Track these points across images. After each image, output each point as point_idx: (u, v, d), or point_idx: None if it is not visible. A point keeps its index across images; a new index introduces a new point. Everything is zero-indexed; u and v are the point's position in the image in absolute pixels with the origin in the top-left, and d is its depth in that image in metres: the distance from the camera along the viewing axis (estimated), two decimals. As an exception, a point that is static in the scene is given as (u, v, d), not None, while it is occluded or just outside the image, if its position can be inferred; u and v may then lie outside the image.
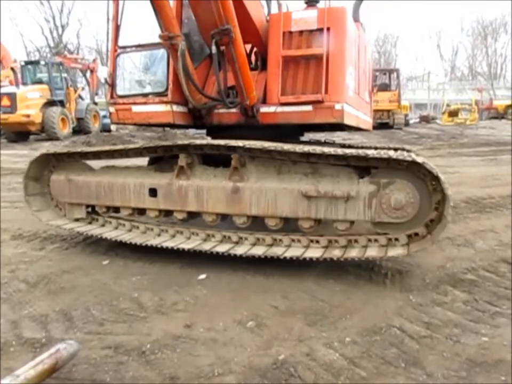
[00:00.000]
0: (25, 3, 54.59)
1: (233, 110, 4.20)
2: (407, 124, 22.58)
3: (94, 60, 23.00)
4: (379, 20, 77.17)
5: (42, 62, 19.29)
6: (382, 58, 59.35)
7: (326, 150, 3.25)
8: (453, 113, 24.75)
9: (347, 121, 4.12)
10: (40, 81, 18.27)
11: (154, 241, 3.83)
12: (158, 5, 3.40)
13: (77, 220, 4.31)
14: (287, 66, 4.11)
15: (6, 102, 16.55)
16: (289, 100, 4.04)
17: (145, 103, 4.11)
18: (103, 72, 4.07)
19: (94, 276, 3.61)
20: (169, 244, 3.74)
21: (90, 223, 4.31)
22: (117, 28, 4.17)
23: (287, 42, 4.12)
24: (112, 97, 4.26)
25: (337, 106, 3.94)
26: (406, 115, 22.81)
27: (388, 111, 20.92)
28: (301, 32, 4.12)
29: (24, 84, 18.20)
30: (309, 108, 3.98)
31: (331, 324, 2.74)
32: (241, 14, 3.79)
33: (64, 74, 19.32)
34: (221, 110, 4.25)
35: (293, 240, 3.56)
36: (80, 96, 21.17)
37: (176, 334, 2.64)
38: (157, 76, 4.11)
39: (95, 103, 21.21)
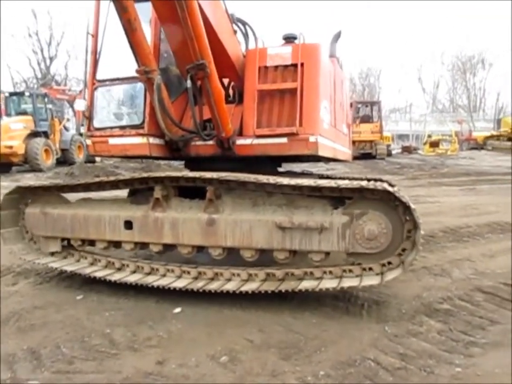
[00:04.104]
0: (13, 35, 54.97)
1: (210, 142, 4.25)
2: (389, 154, 23.05)
3: (81, 91, 23.15)
4: (362, 54, 79.60)
5: (27, 93, 19.34)
6: (366, 90, 60.91)
7: (300, 181, 3.30)
8: (434, 144, 25.37)
9: (322, 153, 4.20)
10: (24, 112, 18.27)
11: (130, 278, 3.78)
12: (134, 40, 3.48)
13: (52, 254, 4.24)
14: (263, 100, 4.21)
15: (-12, 133, 16.46)
16: (265, 132, 4.13)
17: (121, 136, 4.14)
18: (80, 105, 4.12)
19: (67, 311, 3.52)
20: (145, 280, 3.71)
21: (65, 257, 4.24)
22: (95, 62, 4.24)
23: (262, 77, 4.24)
24: (89, 129, 4.29)
25: (312, 139, 4.02)
26: (388, 145, 23.33)
27: (371, 141, 21.38)
28: (276, 67, 4.25)
29: (8, 115, 18.19)
30: (284, 140, 4.06)
31: (306, 357, 2.71)
32: (218, 50, 3.89)
33: (49, 106, 19.38)
34: (198, 142, 4.30)
35: (268, 274, 3.54)
36: (65, 127, 21.19)
37: (148, 371, 2.58)
38: (134, 108, 4.17)
39: (81, 134, 21.21)
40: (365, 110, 22.96)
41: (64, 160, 19.21)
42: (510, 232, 6.00)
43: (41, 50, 44.93)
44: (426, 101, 62.70)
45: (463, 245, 5.41)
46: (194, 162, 4.67)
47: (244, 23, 4.65)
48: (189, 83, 3.72)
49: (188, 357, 2.73)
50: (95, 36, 4.20)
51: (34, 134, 17.75)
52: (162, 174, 3.70)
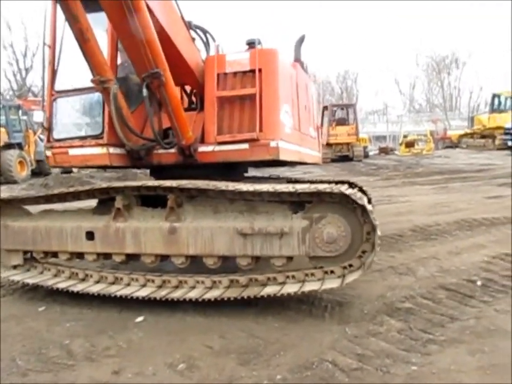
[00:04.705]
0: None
1: (172, 150, 4.22)
2: (366, 155, 23.31)
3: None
4: (339, 57, 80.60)
5: (-1, 105, 19.01)
6: (344, 93, 61.56)
7: (258, 187, 3.30)
8: (410, 144, 25.69)
9: (284, 157, 4.21)
10: (-4, 124, 17.94)
11: (93, 288, 3.74)
12: (88, 51, 3.45)
13: (14, 267, 4.15)
14: (223, 106, 4.19)
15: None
16: (226, 138, 4.11)
17: (81, 146, 4.10)
18: (38, 117, 4.09)
19: (27, 324, 3.46)
20: (108, 290, 3.67)
21: (28, 270, 4.16)
22: (53, 73, 4.18)
23: (221, 84, 4.22)
24: (49, 141, 4.23)
25: (272, 144, 4.02)
26: (365, 147, 23.57)
27: (347, 144, 21.59)
28: (234, 73, 4.23)
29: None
30: (245, 146, 4.05)
31: (264, 362, 2.70)
32: (175, 57, 3.89)
33: (24, 117, 19.08)
34: (160, 151, 4.27)
35: (231, 281, 3.52)
36: (40, 138, 20.85)
37: (102, 381, 2.55)
38: (93, 118, 4.14)
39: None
40: (341, 113, 23.26)
41: (39, 171, 18.90)
42: (479, 228, 6.12)
43: (17, 62, 44.28)
44: (403, 102, 63.67)
45: (430, 243, 5.48)
46: (159, 171, 4.64)
47: (205, 31, 4.64)
48: (144, 92, 3.71)
49: (146, 365, 2.70)
50: (52, 46, 4.14)
51: (8, 146, 17.47)
52: (121, 184, 3.68)
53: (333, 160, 21.02)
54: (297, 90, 4.83)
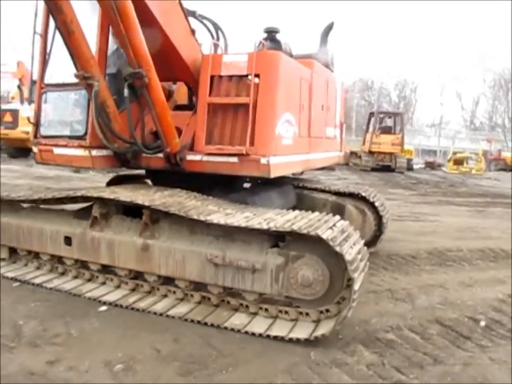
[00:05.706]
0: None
1: (161, 155, 3.87)
2: (410, 168, 22.18)
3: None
4: (399, 65, 77.79)
5: (50, 81, 19.66)
6: (402, 103, 59.45)
7: (230, 221, 3.08)
8: (459, 162, 24.22)
9: (276, 174, 3.75)
10: (47, 99, 18.57)
11: (66, 285, 3.67)
12: (72, 44, 3.22)
13: (1, 259, 4.13)
14: (215, 113, 3.77)
15: (8, 118, 16.72)
16: (212, 150, 3.71)
17: (65, 146, 3.87)
18: (27, 112, 3.91)
19: (-5, 299, 3.41)
20: (80, 289, 3.61)
21: (14, 262, 4.12)
22: (44, 64, 3.90)
23: (215, 88, 3.77)
24: (35, 136, 4.04)
25: (263, 160, 3.59)
26: (409, 159, 22.45)
27: (390, 154, 20.65)
28: (230, 77, 3.75)
29: (32, 102, 18.46)
30: (234, 159, 3.65)
31: (207, 376, 2.49)
32: (167, 51, 3.61)
33: (73, 93, 19.64)
34: (149, 154, 3.92)
35: (203, 297, 3.34)
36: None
37: (32, 370, 2.43)
38: (77, 118, 3.85)
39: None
40: (388, 121, 22.26)
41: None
42: (505, 261, 5.57)
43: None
44: (463, 118, 60.59)
45: (443, 269, 5.02)
46: (156, 173, 4.34)
47: (216, 26, 4.27)
48: (126, 92, 3.44)
49: (83, 360, 2.56)
50: (44, 36, 3.87)
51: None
52: (95, 194, 3.51)
53: (373, 169, 20.22)
54: (311, 91, 4.40)
